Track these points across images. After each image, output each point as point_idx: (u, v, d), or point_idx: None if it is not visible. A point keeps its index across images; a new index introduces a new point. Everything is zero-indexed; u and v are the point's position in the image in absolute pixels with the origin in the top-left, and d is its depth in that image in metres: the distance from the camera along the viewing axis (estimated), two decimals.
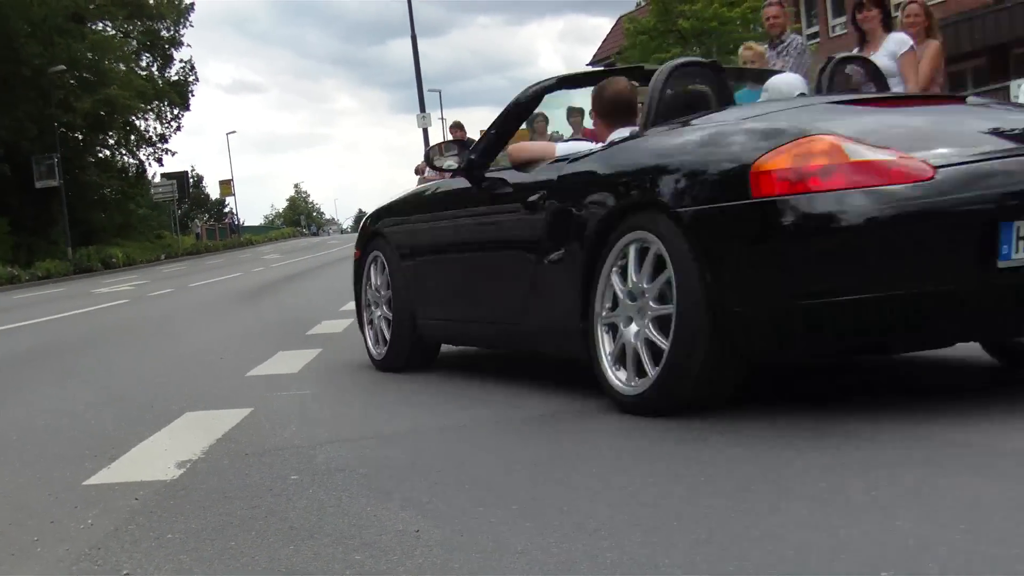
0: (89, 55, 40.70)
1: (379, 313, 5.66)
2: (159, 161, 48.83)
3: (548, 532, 2.53)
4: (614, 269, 3.77)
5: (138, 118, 46.14)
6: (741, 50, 8.01)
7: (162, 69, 48.36)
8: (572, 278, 3.99)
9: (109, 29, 45.23)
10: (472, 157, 4.84)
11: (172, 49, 48.41)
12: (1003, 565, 2.13)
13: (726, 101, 4.14)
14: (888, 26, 6.75)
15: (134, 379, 6.18)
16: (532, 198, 4.32)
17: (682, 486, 2.88)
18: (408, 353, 5.47)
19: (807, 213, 3.14)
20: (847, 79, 4.84)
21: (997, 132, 3.46)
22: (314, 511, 2.88)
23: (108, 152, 46.64)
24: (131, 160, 47.74)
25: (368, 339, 5.79)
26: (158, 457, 3.72)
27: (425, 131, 28.64)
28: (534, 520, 2.64)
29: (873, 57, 6.58)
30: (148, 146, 47.76)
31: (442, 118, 67.57)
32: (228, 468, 3.47)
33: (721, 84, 4.21)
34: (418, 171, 22.89)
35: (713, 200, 3.37)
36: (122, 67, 43.45)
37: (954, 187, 3.11)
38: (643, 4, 30.69)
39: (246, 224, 77.85)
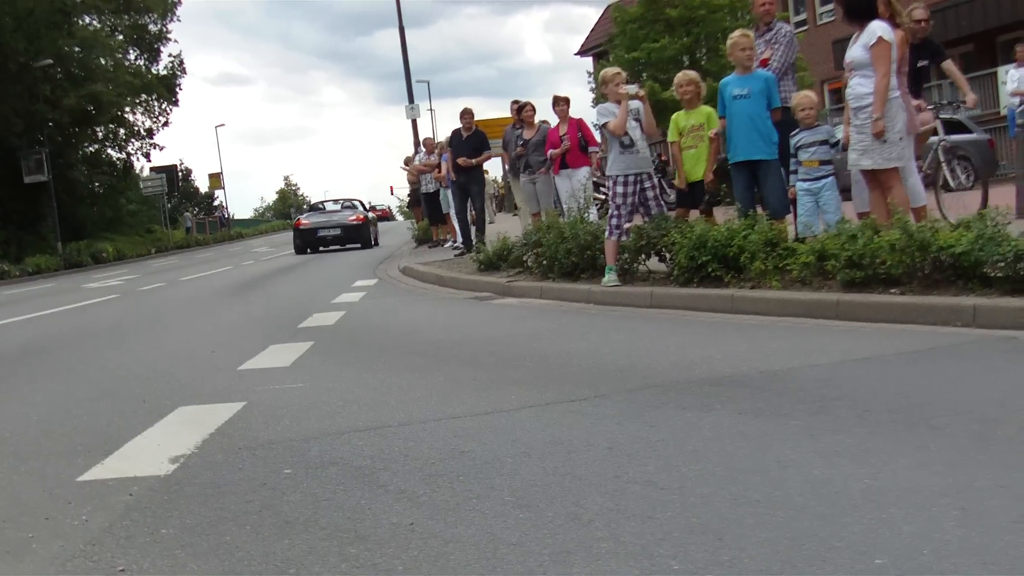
0: (76, 49, 40.51)
1: None
2: (147, 156, 48.66)
3: (542, 523, 2.54)
4: None
5: (126, 113, 45.91)
6: (730, 38, 8.01)
7: (149, 63, 48.11)
8: None
9: (96, 24, 44.96)
10: None
11: (159, 44, 48.17)
12: (994, 551, 2.14)
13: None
14: (866, 15, 6.83)
15: (126, 374, 6.16)
16: None
17: (675, 476, 2.89)
18: None
19: (301, 229, 28.01)
20: None
21: (331, 215, 28.76)
22: (308, 504, 2.88)
23: (96, 147, 46.39)
24: (119, 155, 47.49)
25: None
26: (152, 452, 3.72)
27: (414, 122, 28.67)
28: (528, 511, 2.65)
29: (852, 47, 6.96)
30: (136, 140, 47.56)
31: (431, 109, 67.60)
32: (222, 462, 3.48)
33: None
34: (407, 162, 22.99)
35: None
36: (106, 61, 43.21)
37: (312, 226, 27.79)
38: None
39: (236, 217, 77.43)
